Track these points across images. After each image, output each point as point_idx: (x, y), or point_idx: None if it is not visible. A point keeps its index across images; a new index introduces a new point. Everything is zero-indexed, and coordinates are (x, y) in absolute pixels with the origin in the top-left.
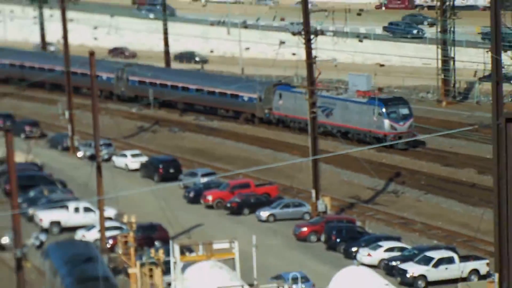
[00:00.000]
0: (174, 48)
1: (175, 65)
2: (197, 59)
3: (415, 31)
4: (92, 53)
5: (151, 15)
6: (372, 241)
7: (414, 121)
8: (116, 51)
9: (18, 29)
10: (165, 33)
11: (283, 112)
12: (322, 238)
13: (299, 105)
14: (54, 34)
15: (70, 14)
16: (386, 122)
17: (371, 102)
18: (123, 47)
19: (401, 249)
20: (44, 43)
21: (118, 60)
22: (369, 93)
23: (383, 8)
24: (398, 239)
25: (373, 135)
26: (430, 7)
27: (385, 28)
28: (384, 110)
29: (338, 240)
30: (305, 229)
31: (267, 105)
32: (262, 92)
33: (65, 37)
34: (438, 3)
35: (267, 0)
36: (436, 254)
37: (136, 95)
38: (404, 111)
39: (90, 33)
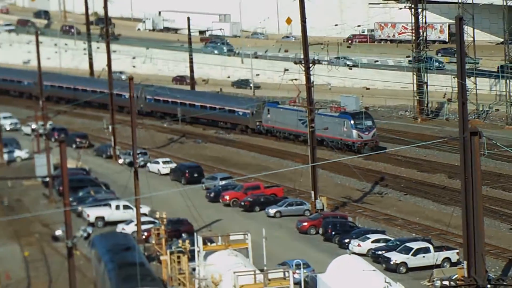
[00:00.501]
0: (198, 74)
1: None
2: (251, 85)
3: (436, 63)
4: (131, 78)
5: (216, 51)
6: (362, 234)
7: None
8: (179, 79)
9: (71, 59)
10: (191, 62)
11: (271, 124)
12: (320, 231)
13: (283, 119)
14: (100, 63)
15: (113, 47)
16: (354, 132)
17: (341, 116)
18: (185, 75)
19: (386, 240)
20: (92, 71)
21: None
22: (340, 108)
23: (350, 41)
24: (383, 232)
25: (343, 143)
26: (392, 41)
27: (410, 61)
28: (352, 122)
29: (333, 233)
30: (305, 223)
31: (258, 119)
32: (254, 108)
33: (109, 65)
34: (413, 38)
35: (258, 34)
36: (415, 245)
37: (152, 111)
38: (369, 123)
39: (130, 62)
